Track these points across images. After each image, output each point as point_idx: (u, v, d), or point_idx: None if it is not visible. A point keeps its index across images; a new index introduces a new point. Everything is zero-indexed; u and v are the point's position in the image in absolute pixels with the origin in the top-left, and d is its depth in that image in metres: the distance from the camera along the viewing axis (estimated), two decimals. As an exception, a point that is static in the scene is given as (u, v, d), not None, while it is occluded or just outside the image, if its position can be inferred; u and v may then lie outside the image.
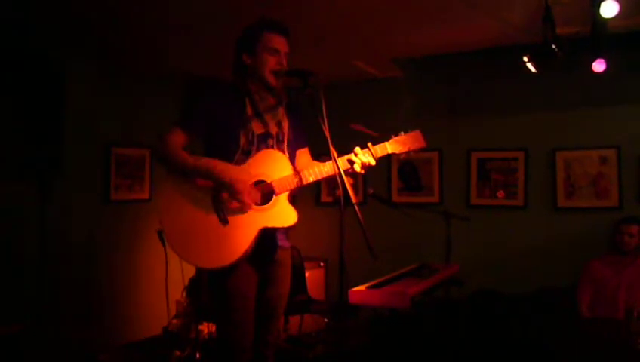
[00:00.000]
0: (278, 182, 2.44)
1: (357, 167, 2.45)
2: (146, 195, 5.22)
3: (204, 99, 2.50)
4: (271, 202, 2.43)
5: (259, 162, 2.45)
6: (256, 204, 2.42)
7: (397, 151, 2.55)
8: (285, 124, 2.59)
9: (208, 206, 2.38)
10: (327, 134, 2.25)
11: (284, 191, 2.45)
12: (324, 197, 5.60)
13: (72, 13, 3.66)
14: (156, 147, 2.45)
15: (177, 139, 2.42)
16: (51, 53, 4.21)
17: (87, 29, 4.00)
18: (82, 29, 3.98)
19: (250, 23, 2.53)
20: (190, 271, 4.49)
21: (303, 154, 2.70)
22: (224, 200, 2.38)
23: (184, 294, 4.67)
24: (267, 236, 2.46)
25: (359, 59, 4.94)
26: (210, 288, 2.51)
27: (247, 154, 2.46)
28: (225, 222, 2.37)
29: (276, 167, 2.48)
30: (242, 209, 2.38)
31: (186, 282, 4.54)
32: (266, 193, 2.44)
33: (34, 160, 4.08)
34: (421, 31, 4.12)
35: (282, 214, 2.44)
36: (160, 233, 2.42)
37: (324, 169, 2.47)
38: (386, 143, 2.54)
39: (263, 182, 2.45)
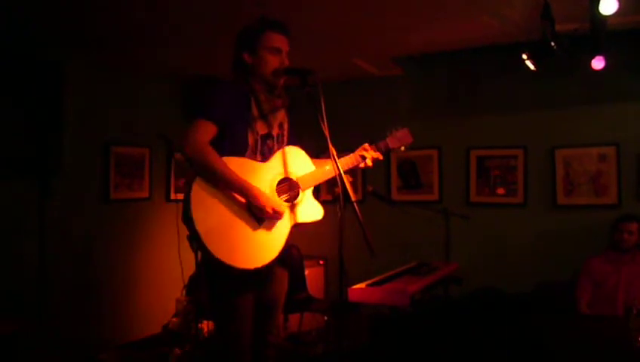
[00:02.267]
0: (303, 179, 2.50)
1: (369, 162, 2.67)
2: (145, 194, 5.22)
3: (222, 91, 2.47)
4: (298, 198, 2.49)
5: (281, 159, 2.49)
6: (285, 201, 2.46)
7: (395, 147, 2.81)
8: (286, 126, 2.62)
9: (242, 205, 2.37)
10: (327, 132, 2.26)
11: (309, 187, 2.51)
12: (324, 195, 5.61)
13: (72, 13, 3.65)
14: (183, 147, 2.33)
15: (206, 134, 2.34)
16: (51, 52, 4.21)
17: (86, 28, 4.00)
18: (82, 28, 3.98)
19: (250, 21, 2.52)
20: (190, 270, 4.49)
21: None
22: None
23: (184, 292, 4.67)
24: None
25: (359, 58, 4.95)
26: (209, 288, 2.50)
27: (254, 153, 2.47)
28: (260, 220, 2.39)
29: (298, 163, 2.54)
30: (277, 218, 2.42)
31: (186, 280, 4.54)
32: (292, 190, 2.49)
33: (33, 159, 4.08)
34: (420, 29, 4.12)
35: (310, 209, 2.52)
36: (189, 238, 2.34)
37: (343, 163, 2.57)
38: (387, 139, 2.79)
39: (288, 179, 2.48)
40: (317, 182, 2.53)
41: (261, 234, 2.38)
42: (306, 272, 4.94)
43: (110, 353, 4.58)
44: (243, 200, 2.36)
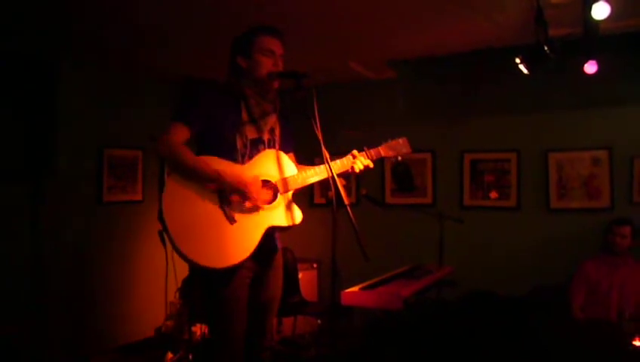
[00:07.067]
0: (283, 182, 2.47)
1: (357, 168, 2.56)
2: (139, 197, 5.20)
3: (204, 96, 2.48)
4: (276, 201, 2.45)
5: (261, 162, 2.47)
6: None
7: (389, 155, 2.75)
8: (277, 131, 2.60)
9: (215, 204, 2.35)
10: (320, 136, 2.26)
11: (288, 191, 2.48)
12: (318, 199, 5.61)
13: (65, 15, 3.64)
14: (156, 146, 2.39)
15: (179, 135, 2.37)
16: (44, 55, 4.20)
17: (80, 31, 3.99)
18: (76, 30, 3.97)
19: (247, 26, 2.53)
20: (183, 273, 4.48)
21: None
22: (231, 199, 2.37)
23: (177, 295, 4.66)
24: (268, 237, 2.46)
25: (354, 61, 4.95)
26: (203, 290, 2.49)
27: (242, 157, 2.46)
28: (232, 220, 2.35)
29: (280, 166, 2.50)
30: (254, 209, 2.38)
31: (179, 283, 4.53)
32: (270, 192, 2.46)
33: (27, 161, 4.06)
34: (415, 33, 4.13)
35: (288, 213, 2.47)
36: (160, 233, 2.37)
37: (334, 167, 2.50)
38: (380, 148, 2.73)
39: (268, 181, 2.46)
40: (298, 186, 2.49)
41: (233, 233, 2.34)
42: (300, 275, 4.94)
43: (103, 356, 4.56)
44: (216, 199, 2.34)
